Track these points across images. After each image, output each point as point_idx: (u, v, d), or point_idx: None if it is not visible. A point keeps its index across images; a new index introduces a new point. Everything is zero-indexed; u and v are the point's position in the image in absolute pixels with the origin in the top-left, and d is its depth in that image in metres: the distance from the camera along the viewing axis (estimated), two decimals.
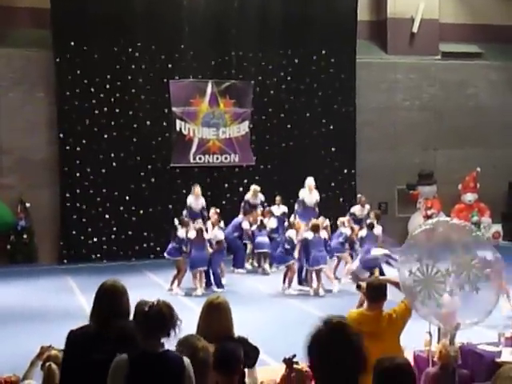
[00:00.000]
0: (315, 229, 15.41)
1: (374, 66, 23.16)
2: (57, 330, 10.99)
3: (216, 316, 5.02)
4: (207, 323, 5.04)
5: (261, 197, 19.30)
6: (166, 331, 4.60)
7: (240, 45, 21.40)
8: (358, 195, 20.10)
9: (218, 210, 17.59)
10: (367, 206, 18.96)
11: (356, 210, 18.87)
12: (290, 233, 15.98)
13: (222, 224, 17.18)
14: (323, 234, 15.63)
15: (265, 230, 18.11)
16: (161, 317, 4.63)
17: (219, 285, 16.08)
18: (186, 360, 4.43)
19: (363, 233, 15.89)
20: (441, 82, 23.51)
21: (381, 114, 22.91)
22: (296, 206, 18.79)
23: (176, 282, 15.86)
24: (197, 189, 18.63)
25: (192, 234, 15.86)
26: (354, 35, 22.52)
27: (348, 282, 15.33)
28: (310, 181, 19.03)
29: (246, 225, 18.57)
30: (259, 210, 18.91)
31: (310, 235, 15.41)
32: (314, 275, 15.42)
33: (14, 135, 19.92)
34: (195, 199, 18.52)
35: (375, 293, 6.21)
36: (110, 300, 5.18)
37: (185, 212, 18.10)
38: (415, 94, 23.53)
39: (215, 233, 16.54)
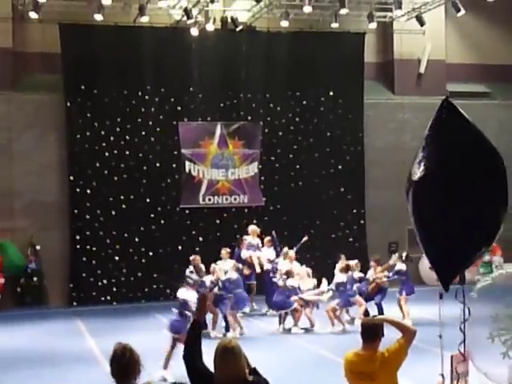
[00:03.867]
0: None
1: (382, 107, 23.32)
2: (66, 374, 10.94)
3: (230, 360, 5.03)
4: (221, 368, 5.04)
5: (258, 240, 18.88)
6: (126, 376, 4.79)
7: (248, 87, 21.61)
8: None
9: (229, 250, 17.58)
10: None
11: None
12: (291, 282, 15.92)
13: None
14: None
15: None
16: (117, 360, 4.83)
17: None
18: None
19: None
20: None
21: (389, 153, 22.97)
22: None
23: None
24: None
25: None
26: (361, 76, 22.73)
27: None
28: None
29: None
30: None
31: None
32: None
33: (26, 178, 20.08)
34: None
35: (369, 333, 6.19)
36: None
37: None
38: (423, 134, 23.52)
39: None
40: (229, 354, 5.01)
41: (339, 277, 15.96)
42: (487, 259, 20.91)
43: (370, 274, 16.62)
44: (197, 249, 19.92)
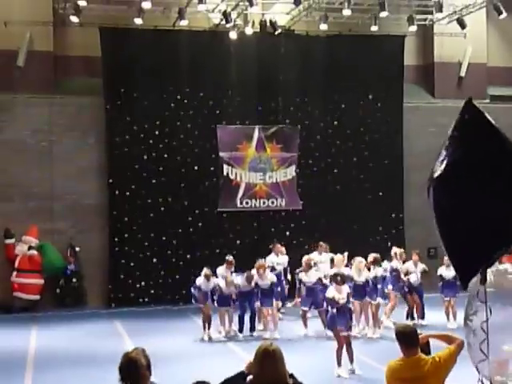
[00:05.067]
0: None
1: (422, 110, 23.09)
2: (104, 375, 11.02)
3: (270, 363, 4.99)
4: (262, 371, 5.01)
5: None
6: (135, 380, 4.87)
7: (286, 90, 21.59)
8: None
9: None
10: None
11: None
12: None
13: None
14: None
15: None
16: (127, 367, 4.99)
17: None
18: None
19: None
20: None
21: (429, 158, 22.34)
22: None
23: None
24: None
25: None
26: (400, 79, 22.54)
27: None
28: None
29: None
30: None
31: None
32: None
33: (66, 181, 20.32)
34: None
35: (410, 338, 6.15)
36: None
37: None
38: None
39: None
40: (269, 358, 4.98)
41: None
42: None
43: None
44: (234, 252, 19.92)
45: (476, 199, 6.53)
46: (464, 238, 6.64)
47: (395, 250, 17.52)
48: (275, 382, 4.92)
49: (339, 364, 12.53)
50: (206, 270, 16.00)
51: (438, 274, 16.84)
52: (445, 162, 6.70)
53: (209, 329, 15.72)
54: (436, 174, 6.72)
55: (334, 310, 12.93)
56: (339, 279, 13.32)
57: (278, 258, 18.30)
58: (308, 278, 16.07)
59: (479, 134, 6.77)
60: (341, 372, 12.48)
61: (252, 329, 15.99)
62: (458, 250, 6.78)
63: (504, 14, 20.49)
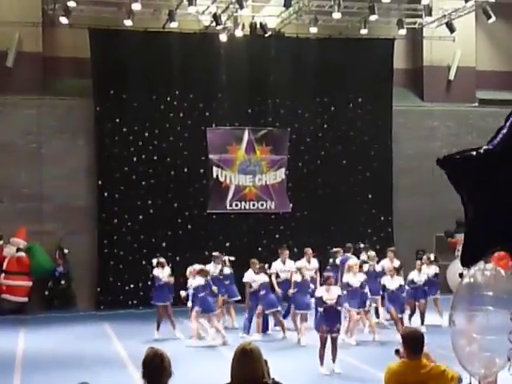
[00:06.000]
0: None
1: (411, 114, 23.17)
2: (93, 377, 10.97)
3: (248, 362, 4.98)
4: (240, 370, 4.99)
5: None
6: (157, 380, 4.92)
7: (276, 93, 21.62)
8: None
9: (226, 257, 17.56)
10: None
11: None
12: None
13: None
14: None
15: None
16: (151, 365, 4.98)
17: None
18: None
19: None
20: (478, 130, 23.34)
21: (418, 161, 22.81)
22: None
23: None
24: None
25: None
26: (390, 82, 22.61)
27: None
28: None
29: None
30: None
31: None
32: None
33: (55, 182, 20.26)
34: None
35: (417, 342, 6.13)
36: None
37: None
38: (453, 142, 23.38)
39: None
40: (247, 357, 4.96)
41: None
42: None
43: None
44: (223, 254, 19.94)
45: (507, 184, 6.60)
46: (486, 218, 6.73)
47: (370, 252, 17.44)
48: (253, 381, 4.91)
49: (321, 363, 12.62)
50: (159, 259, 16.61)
51: (410, 278, 16.43)
52: (496, 139, 6.70)
53: (174, 328, 16.07)
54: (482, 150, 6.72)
55: (322, 310, 12.89)
56: (330, 280, 13.31)
57: (285, 266, 17.12)
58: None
59: None
60: (323, 371, 12.58)
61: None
62: (476, 228, 6.85)
63: (493, 18, 20.59)
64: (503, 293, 7.29)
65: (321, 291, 13.22)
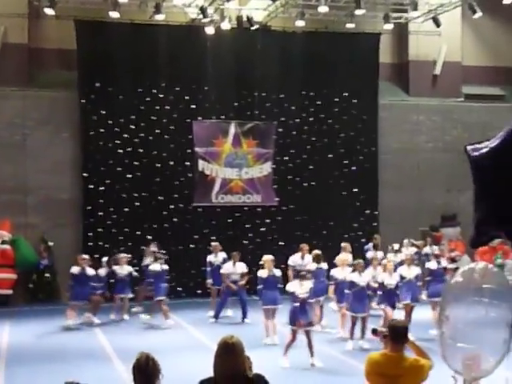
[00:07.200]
0: None
1: (397, 108, 23.24)
2: (78, 370, 10.96)
3: (230, 356, 4.99)
4: (222, 364, 5.01)
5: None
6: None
7: (263, 86, 21.60)
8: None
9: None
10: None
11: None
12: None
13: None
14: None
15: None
16: (141, 370, 4.97)
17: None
18: None
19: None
20: (463, 124, 23.49)
21: (403, 155, 22.91)
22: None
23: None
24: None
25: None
26: (376, 77, 22.66)
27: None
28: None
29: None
30: None
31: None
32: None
33: (40, 175, 20.16)
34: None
35: (400, 334, 6.15)
36: None
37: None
38: (438, 136, 23.52)
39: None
40: (229, 351, 4.98)
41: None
42: (499, 262, 20.79)
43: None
44: (209, 247, 19.95)
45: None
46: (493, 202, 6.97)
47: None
48: (234, 374, 4.93)
49: (285, 354, 12.67)
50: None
51: (380, 281, 14.73)
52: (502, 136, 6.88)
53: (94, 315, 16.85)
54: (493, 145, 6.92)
55: (295, 305, 12.92)
56: (303, 274, 13.34)
57: (303, 261, 17.05)
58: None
59: None
60: (283, 363, 12.59)
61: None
62: (485, 212, 7.14)
63: (479, 14, 20.64)
64: (499, 286, 7.44)
65: (294, 286, 13.22)
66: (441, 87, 23.51)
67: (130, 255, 18.16)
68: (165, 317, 16.52)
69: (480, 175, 7.20)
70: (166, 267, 17.08)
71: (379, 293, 14.51)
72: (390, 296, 14.54)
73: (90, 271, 16.88)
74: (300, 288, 13.00)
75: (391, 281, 14.59)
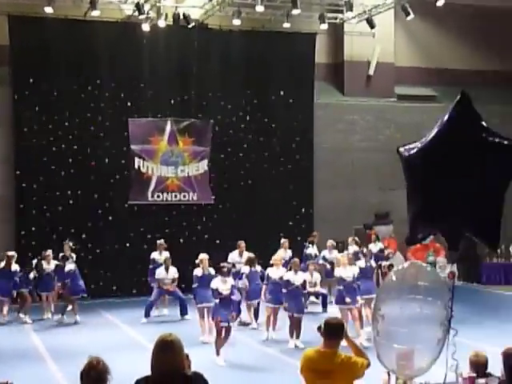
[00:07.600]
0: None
1: (332, 108, 23.54)
2: (11, 371, 10.76)
3: (168, 354, 4.98)
4: (160, 361, 5.00)
5: None
6: None
7: (200, 84, 21.58)
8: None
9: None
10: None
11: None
12: None
13: None
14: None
15: None
16: (91, 375, 4.90)
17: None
18: None
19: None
20: (396, 124, 23.95)
21: (338, 154, 23.23)
22: None
23: None
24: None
25: None
26: (311, 77, 22.90)
27: None
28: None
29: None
30: None
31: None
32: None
33: None
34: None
35: (335, 331, 6.24)
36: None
37: None
38: (372, 135, 23.93)
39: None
40: (167, 348, 4.98)
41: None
42: (431, 260, 21.28)
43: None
44: (145, 246, 19.86)
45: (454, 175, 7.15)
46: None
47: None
48: (173, 372, 4.92)
49: (218, 353, 12.79)
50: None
51: (338, 275, 14.74)
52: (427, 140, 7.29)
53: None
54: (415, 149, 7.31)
55: (217, 301, 13.07)
56: (225, 270, 13.44)
57: (241, 258, 17.29)
58: None
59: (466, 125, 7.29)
60: (219, 361, 12.70)
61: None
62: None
63: (411, 16, 21.09)
64: (433, 283, 7.66)
65: (216, 283, 13.32)
66: (374, 87, 23.93)
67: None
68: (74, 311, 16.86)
69: (412, 174, 7.43)
70: (73, 266, 17.27)
71: (339, 287, 14.47)
72: (349, 289, 14.37)
73: (15, 267, 16.89)
74: (223, 285, 13.17)
75: (348, 273, 14.55)
